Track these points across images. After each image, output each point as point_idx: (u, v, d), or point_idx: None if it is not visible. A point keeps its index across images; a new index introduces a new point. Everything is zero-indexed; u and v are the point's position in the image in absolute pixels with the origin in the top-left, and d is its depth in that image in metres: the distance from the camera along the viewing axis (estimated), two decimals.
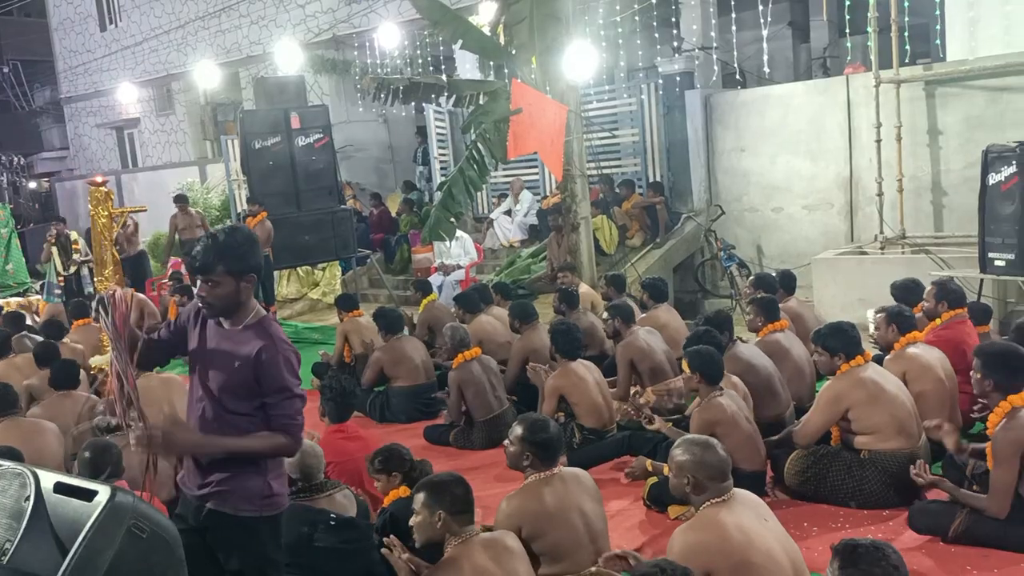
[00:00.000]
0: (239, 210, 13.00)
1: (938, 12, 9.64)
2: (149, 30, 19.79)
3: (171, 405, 5.92)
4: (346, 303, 8.25)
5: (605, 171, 12.14)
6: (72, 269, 12.84)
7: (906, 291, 6.20)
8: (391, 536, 3.47)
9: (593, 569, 3.30)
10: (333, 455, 4.44)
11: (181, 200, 12.98)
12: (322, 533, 3.56)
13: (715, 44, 11.80)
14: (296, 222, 10.82)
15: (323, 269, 12.57)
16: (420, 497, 3.27)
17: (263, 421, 2.98)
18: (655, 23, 12.00)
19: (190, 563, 2.55)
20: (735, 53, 10.75)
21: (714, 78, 11.81)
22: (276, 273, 11.53)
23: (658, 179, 11.80)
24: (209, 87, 17.15)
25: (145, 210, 9.68)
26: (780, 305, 6.43)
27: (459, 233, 11.34)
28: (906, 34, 9.28)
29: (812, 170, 10.79)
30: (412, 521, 3.30)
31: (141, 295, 11.25)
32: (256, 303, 3.08)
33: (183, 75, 18.71)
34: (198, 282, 2.98)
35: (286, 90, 11.34)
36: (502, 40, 9.81)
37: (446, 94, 10.12)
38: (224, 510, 2.98)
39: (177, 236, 12.78)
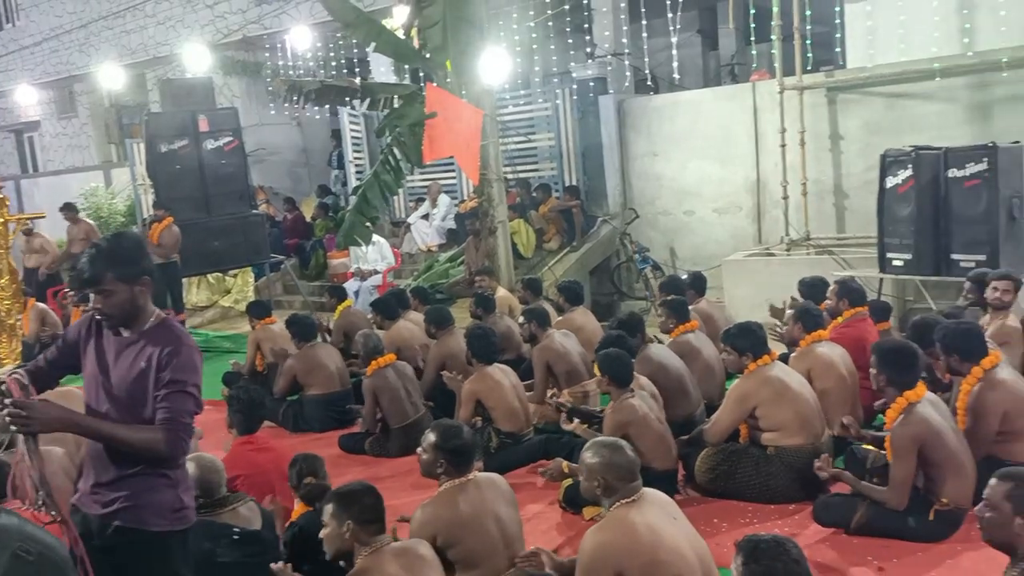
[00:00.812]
0: (145, 215, 12.58)
1: (839, 21, 10.01)
2: (49, 30, 19.04)
3: None
4: (258, 310, 8.06)
5: (522, 175, 12.21)
6: None
7: (813, 288, 6.42)
8: (279, 563, 3.36)
9: (509, 572, 3.28)
10: (242, 467, 4.32)
11: (68, 209, 12.36)
12: (225, 548, 3.46)
13: (627, 50, 11.99)
14: (205, 227, 10.54)
15: (235, 276, 12.29)
16: (329, 508, 3.22)
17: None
18: (568, 29, 12.13)
19: None
20: (646, 59, 10.94)
21: (626, 84, 12.00)
22: (185, 280, 11.21)
23: (574, 183, 11.93)
24: (113, 89, 16.62)
25: (43, 216, 9.27)
26: (691, 306, 6.58)
27: (376, 238, 11.24)
28: (809, 42, 9.60)
29: (721, 174, 11.06)
30: (322, 533, 3.24)
31: (42, 305, 10.80)
32: (154, 308, 3.00)
33: (86, 76, 18.06)
34: (91, 296, 2.89)
35: (194, 92, 11.05)
36: (416, 43, 9.76)
37: (360, 97, 10.01)
38: (134, 526, 2.86)
39: None
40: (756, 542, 2.59)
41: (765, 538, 2.61)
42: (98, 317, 2.93)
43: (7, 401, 2.68)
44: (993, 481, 2.89)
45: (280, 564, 3.32)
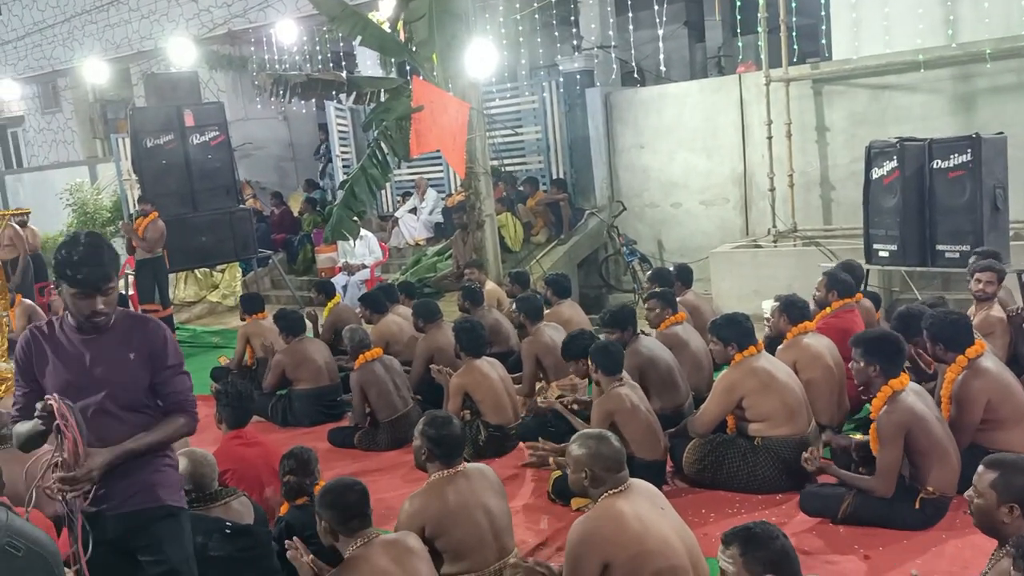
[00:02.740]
0: (131, 210, 12.52)
1: (824, 13, 10.04)
2: (32, 24, 18.87)
3: None
4: (250, 304, 7.98)
5: (509, 168, 12.21)
6: None
7: (850, 270, 6.38)
8: (295, 538, 3.41)
9: (496, 566, 3.30)
10: (231, 462, 4.32)
11: None
12: (216, 542, 3.46)
13: (613, 43, 12.00)
14: (192, 223, 10.49)
15: (222, 271, 12.25)
16: (317, 504, 3.24)
17: (158, 410, 3.00)
18: (555, 21, 12.12)
19: None
20: (633, 52, 10.95)
21: (613, 76, 12.01)
22: (172, 276, 11.16)
23: (561, 176, 11.94)
24: (98, 83, 16.46)
25: (28, 212, 9.20)
26: (678, 298, 6.59)
27: (363, 232, 11.23)
28: (795, 34, 9.63)
29: (708, 166, 11.10)
30: (318, 527, 3.27)
31: (28, 301, 10.73)
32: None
33: (70, 71, 17.91)
34: (95, 299, 2.83)
35: (179, 87, 11.00)
36: (402, 37, 9.74)
37: (346, 91, 9.99)
38: (152, 504, 2.94)
39: None
40: (747, 530, 2.62)
41: (752, 525, 2.64)
42: (97, 321, 2.88)
43: (60, 479, 2.70)
44: (981, 468, 2.92)
45: (296, 539, 3.40)
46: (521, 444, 5.54)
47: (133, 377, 2.93)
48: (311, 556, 3.35)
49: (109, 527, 2.90)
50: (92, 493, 2.78)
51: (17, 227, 12.14)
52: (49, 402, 2.70)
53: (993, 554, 2.88)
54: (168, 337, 3.02)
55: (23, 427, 2.87)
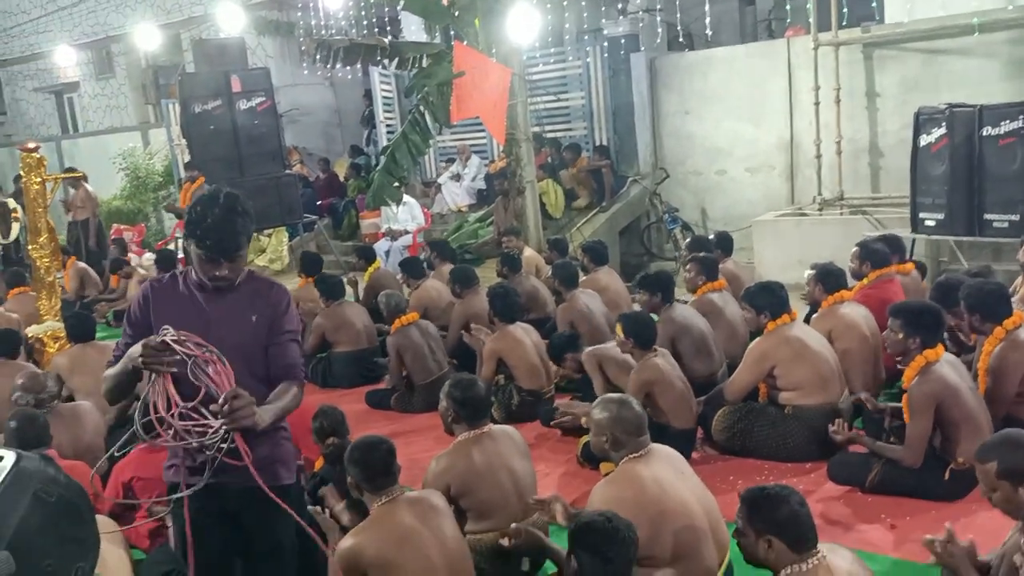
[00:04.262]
0: (182, 175, 12.77)
1: None
2: None
3: None
4: (310, 265, 8.18)
5: (552, 135, 12.14)
6: (12, 237, 12.55)
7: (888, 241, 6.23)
8: (328, 485, 3.53)
9: (514, 527, 3.36)
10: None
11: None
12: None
13: (659, 6, 11.80)
14: (239, 187, 10.41)
15: (269, 236, 12.45)
16: (348, 458, 3.32)
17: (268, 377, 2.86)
18: None
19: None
20: (679, 15, 10.77)
21: (659, 41, 11.83)
22: None
23: (604, 143, 11.85)
24: (150, 49, 16.69)
25: (79, 176, 9.45)
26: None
27: (406, 198, 11.30)
28: None
29: (754, 133, 10.91)
30: (347, 483, 3.37)
31: (82, 264, 11.08)
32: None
33: (122, 37, 18.18)
34: (222, 264, 2.75)
35: (226, 52, 11.10)
36: (445, 1, 9.71)
37: (389, 56, 10.01)
38: (271, 483, 2.76)
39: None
40: (760, 491, 2.66)
41: (768, 487, 2.68)
42: (220, 285, 2.79)
43: (233, 403, 2.58)
44: (978, 465, 2.87)
45: (327, 487, 3.57)
46: (558, 398, 5.59)
47: (255, 339, 2.83)
48: (343, 504, 3.46)
49: (229, 499, 2.83)
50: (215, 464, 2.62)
51: (90, 188, 12.51)
52: (165, 337, 2.60)
53: (1013, 530, 2.87)
54: (289, 302, 2.93)
55: (112, 369, 2.78)
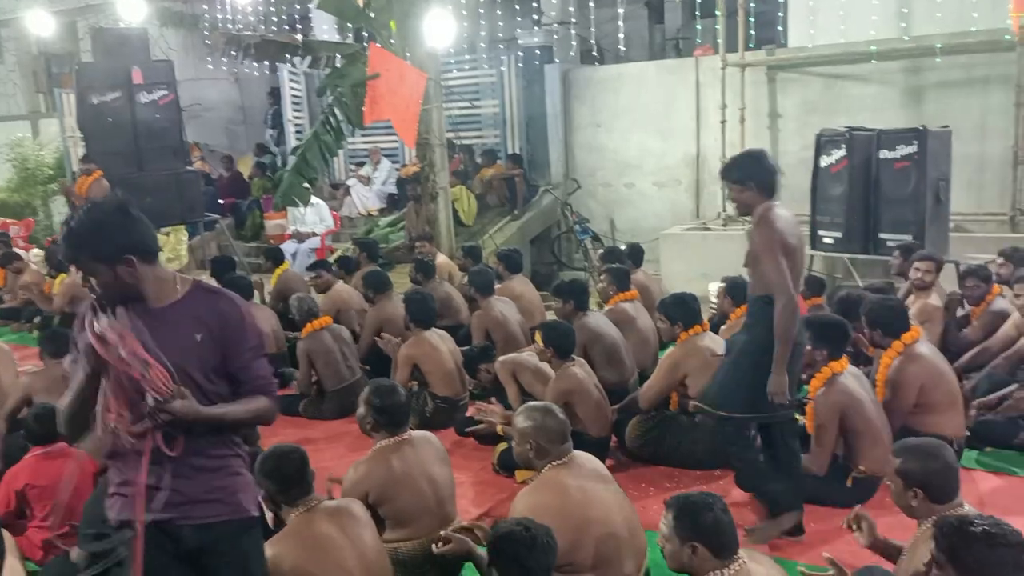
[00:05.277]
0: (74, 168, 12.18)
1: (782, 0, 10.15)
2: None
3: None
4: (222, 267, 7.77)
5: (465, 141, 12.15)
6: None
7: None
8: None
9: (443, 533, 3.32)
10: None
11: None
12: None
13: (573, 19, 11.97)
14: (137, 183, 10.20)
15: (168, 234, 11.98)
16: (258, 470, 3.19)
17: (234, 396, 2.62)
18: None
19: None
20: (593, 29, 10.95)
21: (572, 53, 12.00)
22: None
23: (517, 151, 11.92)
24: (43, 36, 15.92)
25: None
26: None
27: (314, 200, 11.10)
28: (752, 19, 9.71)
29: (662, 148, 11.18)
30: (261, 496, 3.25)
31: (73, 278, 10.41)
32: (172, 273, 2.66)
33: (12, 22, 17.28)
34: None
35: (127, 43, 10.64)
36: (360, 2, 9.59)
37: (301, 55, 9.82)
38: (235, 516, 2.59)
39: None
40: (686, 498, 2.72)
41: (693, 495, 2.74)
42: (101, 300, 2.53)
43: (154, 400, 2.40)
44: (891, 456, 3.05)
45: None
46: (471, 406, 5.56)
47: (200, 361, 2.53)
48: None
49: (185, 537, 2.53)
50: (164, 498, 2.46)
51: None
52: (99, 332, 2.40)
53: (917, 528, 3.01)
54: (245, 313, 2.61)
55: (64, 399, 2.57)
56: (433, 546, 3.25)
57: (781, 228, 3.80)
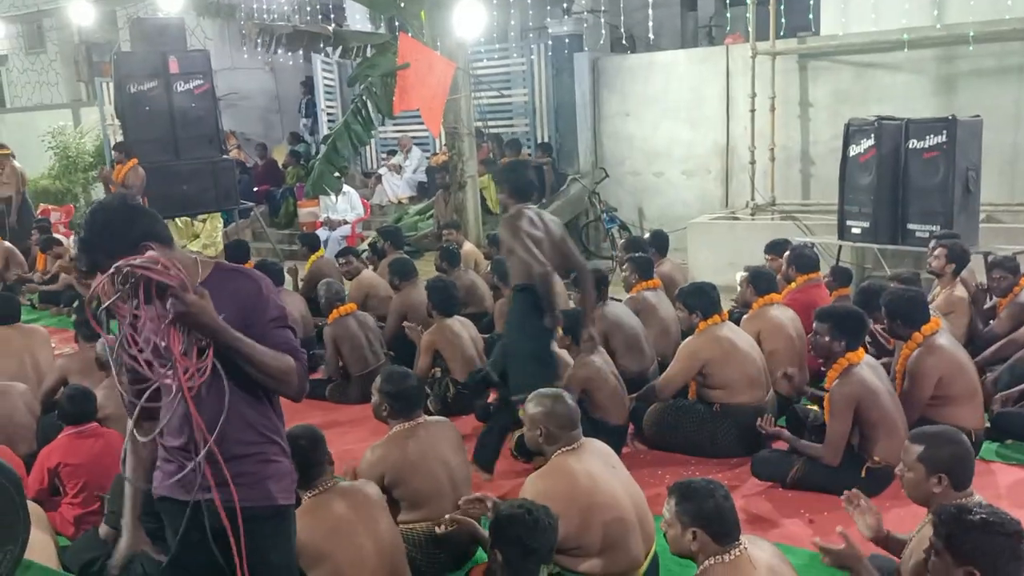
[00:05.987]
0: (114, 156, 12.45)
1: None
2: None
3: (32, 356, 5.75)
4: (236, 253, 7.90)
5: (494, 130, 12.20)
6: None
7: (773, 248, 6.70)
8: None
9: (449, 516, 3.41)
10: None
11: None
12: None
13: (604, 7, 11.94)
14: (174, 171, 10.45)
15: (203, 221, 12.22)
16: None
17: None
18: None
19: None
20: (623, 18, 10.92)
21: (602, 42, 11.98)
22: None
23: (546, 140, 11.95)
24: (83, 25, 16.23)
25: (6, 152, 9.14)
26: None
27: (345, 188, 11.24)
28: (783, 7, 9.63)
29: (691, 137, 11.13)
30: None
31: (7, 243, 10.73)
32: (191, 255, 2.67)
33: (55, 11, 17.62)
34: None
35: (165, 32, 10.85)
36: None
37: (332, 44, 9.94)
38: (262, 503, 2.54)
39: None
40: (688, 484, 2.77)
41: (695, 481, 2.80)
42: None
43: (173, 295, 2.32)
44: (907, 443, 3.06)
45: None
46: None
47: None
48: None
49: (210, 519, 2.47)
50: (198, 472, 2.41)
51: (17, 164, 12.08)
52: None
53: (925, 519, 3.03)
54: (264, 286, 2.56)
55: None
56: (436, 528, 3.34)
57: (524, 225, 4.58)
